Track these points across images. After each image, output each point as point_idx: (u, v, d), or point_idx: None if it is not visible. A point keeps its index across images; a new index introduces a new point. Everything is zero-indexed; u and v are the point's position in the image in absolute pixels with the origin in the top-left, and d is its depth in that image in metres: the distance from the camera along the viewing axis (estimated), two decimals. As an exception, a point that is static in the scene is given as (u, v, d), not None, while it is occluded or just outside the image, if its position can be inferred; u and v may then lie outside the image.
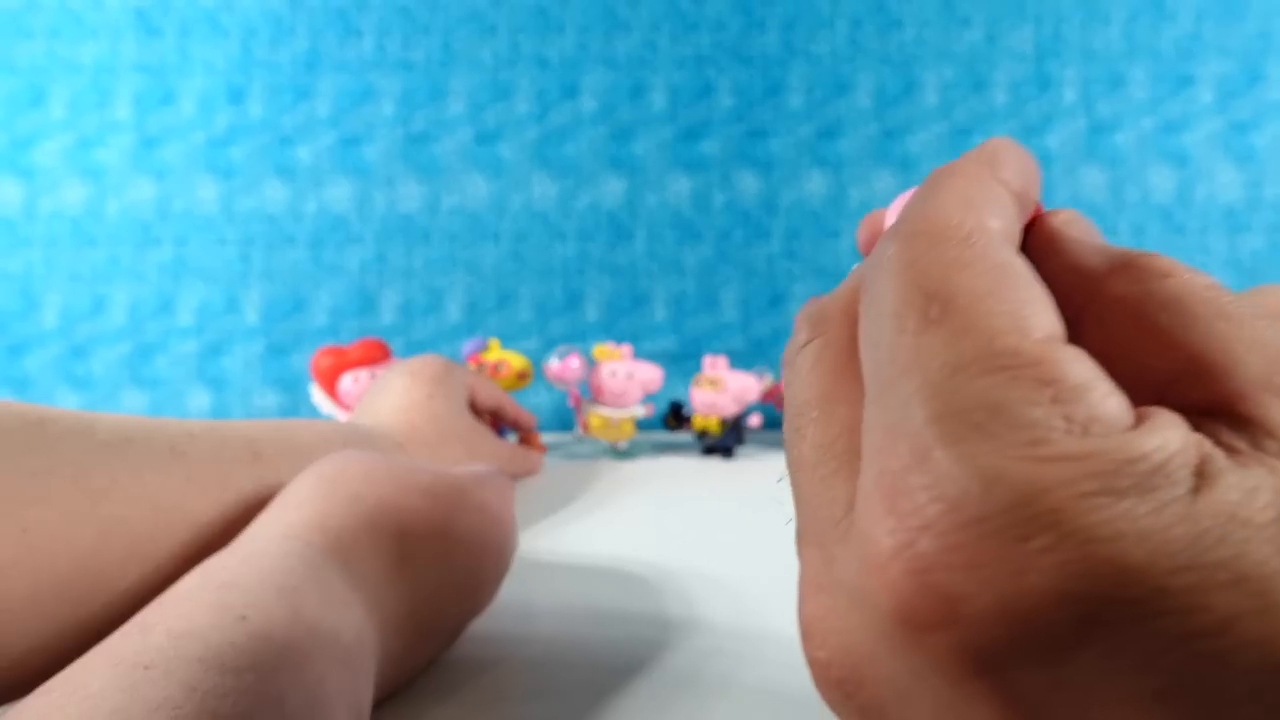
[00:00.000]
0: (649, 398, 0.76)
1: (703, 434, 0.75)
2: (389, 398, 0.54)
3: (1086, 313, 0.14)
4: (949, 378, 0.11)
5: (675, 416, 0.77)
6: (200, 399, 0.87)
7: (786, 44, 0.88)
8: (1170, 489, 0.10)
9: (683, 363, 0.87)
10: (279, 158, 0.88)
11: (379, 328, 0.87)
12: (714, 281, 0.88)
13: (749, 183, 0.88)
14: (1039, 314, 0.12)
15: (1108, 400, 0.11)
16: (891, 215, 0.19)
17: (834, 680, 0.12)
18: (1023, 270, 0.13)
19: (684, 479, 0.68)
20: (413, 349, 0.87)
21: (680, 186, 0.88)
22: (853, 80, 0.88)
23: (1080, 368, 0.11)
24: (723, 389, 0.74)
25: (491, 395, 0.63)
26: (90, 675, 0.20)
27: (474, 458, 0.56)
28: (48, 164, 0.87)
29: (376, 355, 0.73)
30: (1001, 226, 0.14)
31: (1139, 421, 0.11)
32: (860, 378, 0.14)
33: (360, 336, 0.87)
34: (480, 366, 0.74)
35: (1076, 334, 0.13)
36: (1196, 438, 0.11)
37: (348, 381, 0.72)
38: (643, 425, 0.77)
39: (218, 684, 0.20)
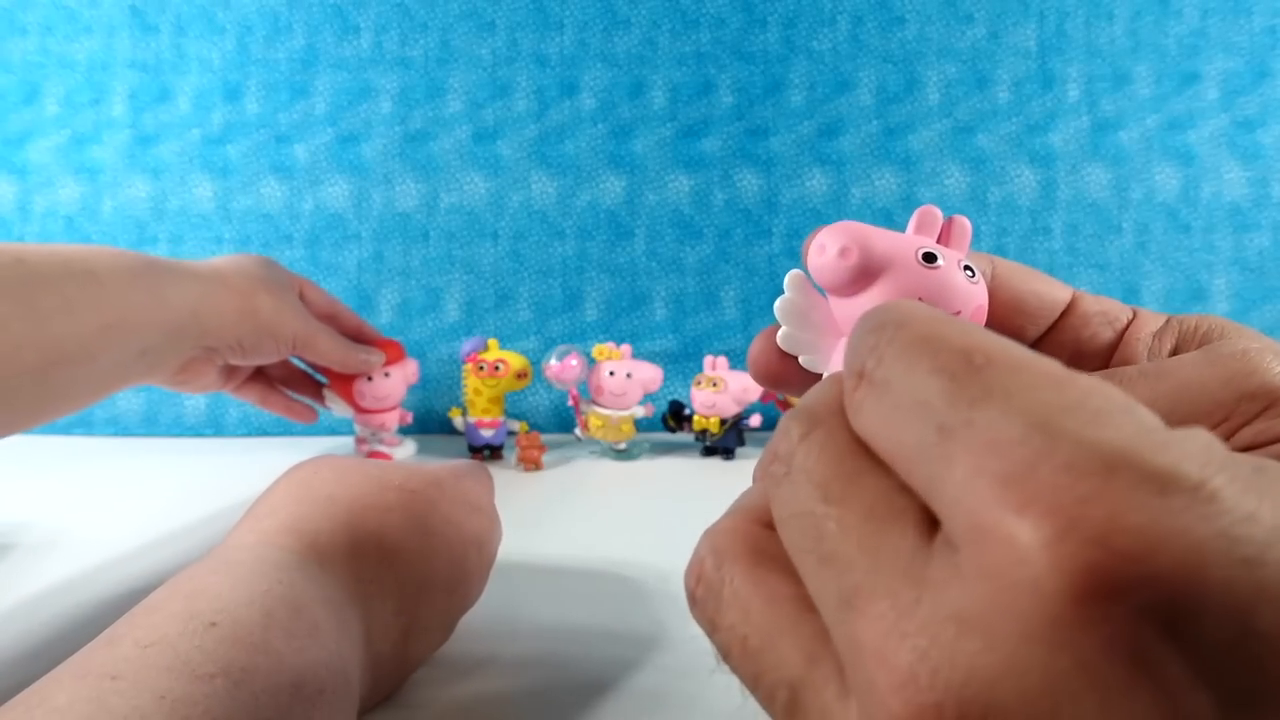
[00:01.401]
0: (649, 398, 0.76)
1: (703, 434, 0.74)
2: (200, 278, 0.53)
3: None
4: (1053, 401, 0.12)
5: (675, 417, 0.77)
6: (196, 399, 0.86)
7: (787, 41, 0.87)
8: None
9: (683, 363, 0.86)
10: (275, 156, 0.87)
11: (376, 327, 0.86)
12: (714, 281, 0.88)
13: (750, 181, 0.88)
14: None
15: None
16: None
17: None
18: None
19: (684, 480, 0.68)
20: (411, 348, 0.86)
21: (680, 185, 0.88)
22: (854, 78, 0.87)
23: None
24: (723, 389, 0.73)
25: (325, 299, 0.63)
26: (57, 688, 0.20)
27: (296, 326, 0.57)
28: (41, 162, 0.86)
29: (392, 354, 0.73)
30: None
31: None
32: (871, 457, 0.15)
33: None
34: (479, 366, 0.74)
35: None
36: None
37: (362, 382, 0.71)
38: (642, 425, 0.76)
39: (188, 691, 0.20)
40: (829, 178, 0.87)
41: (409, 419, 0.75)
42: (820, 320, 0.22)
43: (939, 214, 0.22)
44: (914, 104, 0.87)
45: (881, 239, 0.20)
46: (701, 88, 0.88)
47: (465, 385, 0.75)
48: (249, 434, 0.86)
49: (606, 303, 0.88)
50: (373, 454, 0.74)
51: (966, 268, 0.21)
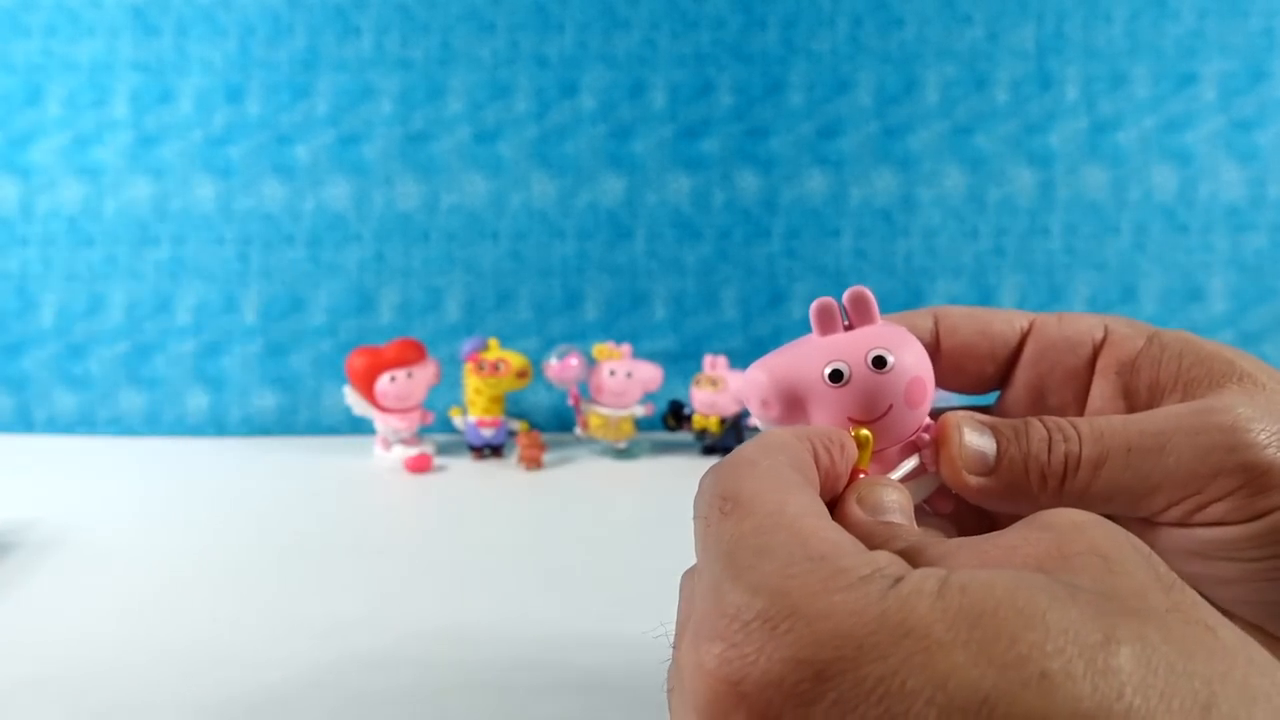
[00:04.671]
0: (649, 397, 0.76)
1: (702, 433, 0.75)
2: None
3: None
4: (735, 542, 0.16)
5: (675, 416, 0.77)
6: (198, 399, 0.87)
7: (787, 42, 0.88)
8: (875, 585, 0.14)
9: (683, 362, 0.86)
10: (277, 156, 0.87)
11: (378, 327, 0.87)
12: (714, 281, 0.88)
13: (749, 181, 0.88)
14: (797, 499, 0.17)
15: (836, 538, 0.16)
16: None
17: None
18: (791, 477, 0.18)
19: (684, 479, 0.68)
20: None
21: (680, 185, 0.88)
22: (853, 78, 0.88)
23: (819, 523, 0.16)
24: (723, 388, 0.73)
25: None
26: None
27: None
28: (45, 163, 0.87)
29: (412, 355, 0.73)
30: (787, 458, 0.19)
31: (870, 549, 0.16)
32: None
33: (358, 336, 0.86)
34: (479, 366, 0.74)
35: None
36: (903, 564, 0.15)
37: (385, 381, 0.72)
38: (642, 425, 0.77)
39: None
40: (828, 178, 0.88)
41: (430, 419, 0.75)
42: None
43: (832, 304, 0.22)
44: (913, 105, 0.87)
45: (790, 372, 0.22)
46: (701, 88, 0.88)
47: (466, 385, 0.75)
48: (250, 434, 0.87)
49: (606, 303, 0.88)
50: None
51: (877, 359, 0.21)
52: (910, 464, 0.22)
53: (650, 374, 0.75)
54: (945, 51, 0.87)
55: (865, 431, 0.21)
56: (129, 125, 0.87)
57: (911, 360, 0.22)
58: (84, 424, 0.86)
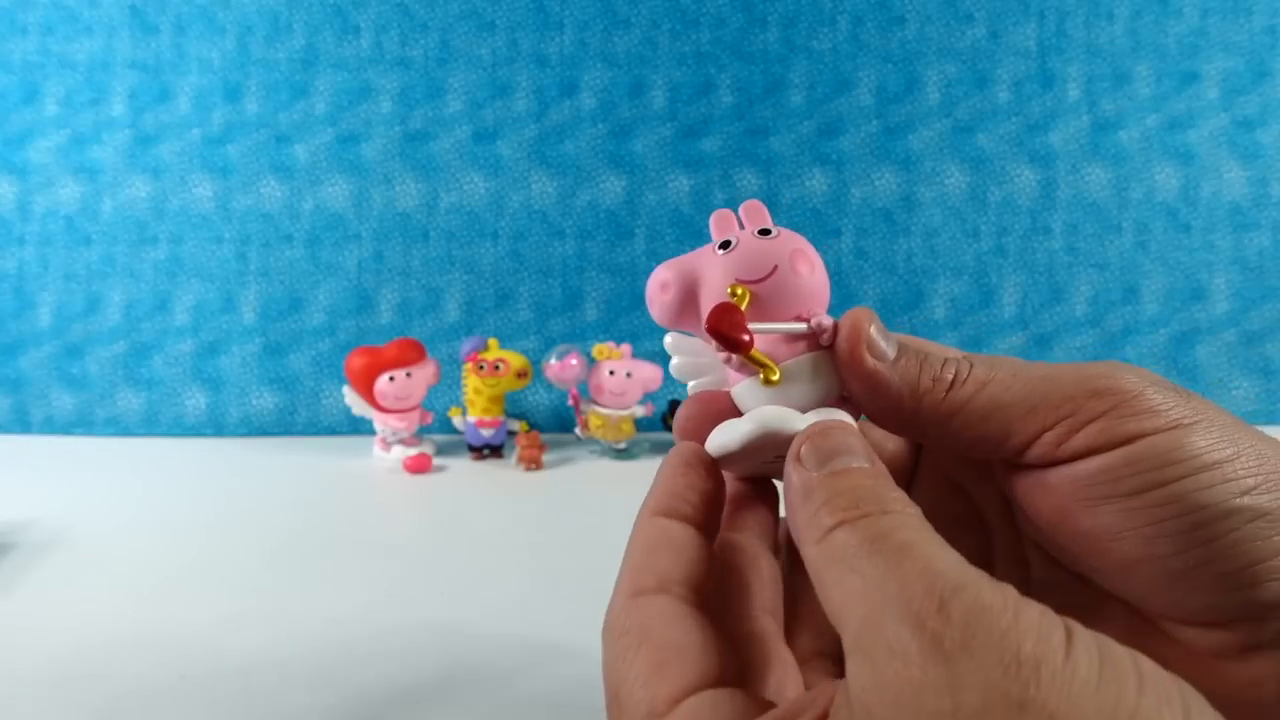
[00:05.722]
0: (648, 397, 0.76)
1: (703, 434, 0.74)
2: None
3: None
4: None
5: (675, 416, 0.77)
6: (197, 399, 0.86)
7: (787, 41, 0.87)
8: None
9: (683, 362, 0.86)
10: (276, 156, 0.87)
11: (377, 327, 0.87)
12: (714, 280, 0.88)
13: (750, 181, 0.88)
14: (637, 664, 0.18)
15: (670, 693, 0.17)
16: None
17: None
18: (635, 623, 0.19)
19: (684, 479, 0.68)
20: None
21: (680, 185, 0.88)
22: (854, 77, 0.87)
23: (656, 691, 0.17)
24: (723, 388, 0.73)
25: None
26: None
27: None
28: (42, 162, 0.86)
29: (412, 355, 0.73)
30: (652, 583, 0.21)
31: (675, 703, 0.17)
32: None
33: (358, 336, 0.86)
34: (479, 366, 0.74)
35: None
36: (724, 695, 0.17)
37: (384, 382, 0.71)
38: (642, 425, 0.77)
39: None
40: (829, 177, 0.87)
41: (429, 419, 0.75)
42: (700, 346, 0.25)
43: (729, 212, 0.25)
44: (914, 104, 0.87)
45: (687, 260, 0.24)
46: (701, 87, 0.88)
47: (465, 385, 0.75)
48: (249, 434, 0.86)
49: (606, 303, 0.88)
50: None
51: (762, 230, 0.23)
52: (796, 326, 0.22)
53: (650, 374, 0.75)
54: (946, 50, 0.87)
55: (740, 288, 0.22)
56: (127, 124, 0.87)
57: (799, 239, 0.23)
58: (82, 424, 0.86)
